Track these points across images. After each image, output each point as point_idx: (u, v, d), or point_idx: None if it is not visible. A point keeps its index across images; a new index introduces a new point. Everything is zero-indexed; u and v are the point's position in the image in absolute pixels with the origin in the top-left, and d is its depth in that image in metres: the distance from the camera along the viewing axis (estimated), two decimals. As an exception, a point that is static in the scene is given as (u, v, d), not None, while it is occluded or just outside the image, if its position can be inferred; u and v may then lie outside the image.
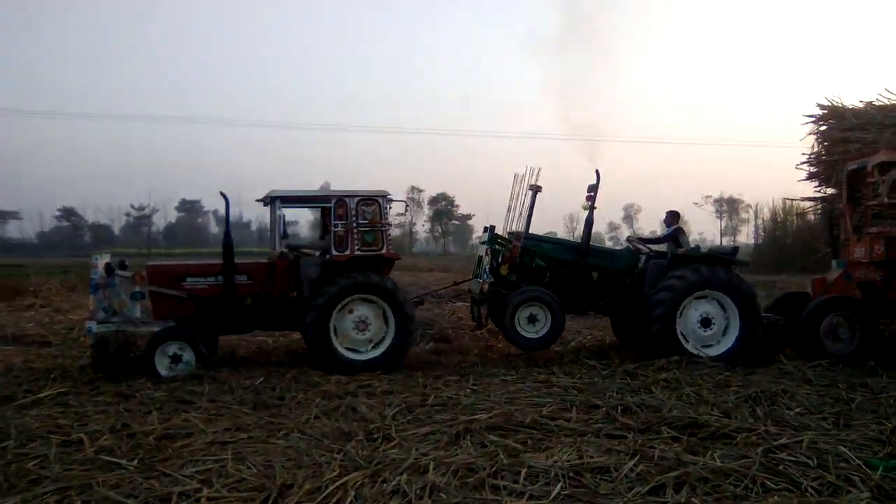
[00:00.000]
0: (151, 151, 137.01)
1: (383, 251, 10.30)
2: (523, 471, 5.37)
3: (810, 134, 14.86)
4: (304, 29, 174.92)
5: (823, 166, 14.51)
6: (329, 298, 9.96)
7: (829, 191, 14.48)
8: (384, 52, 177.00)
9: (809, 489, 5.04)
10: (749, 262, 11.86)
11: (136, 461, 5.82)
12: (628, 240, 12.33)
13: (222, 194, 10.13)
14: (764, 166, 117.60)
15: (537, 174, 11.04)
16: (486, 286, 10.87)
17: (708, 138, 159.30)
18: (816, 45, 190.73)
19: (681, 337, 10.34)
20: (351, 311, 10.11)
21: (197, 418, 7.16)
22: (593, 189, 11.11)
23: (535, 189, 11.07)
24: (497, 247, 11.11)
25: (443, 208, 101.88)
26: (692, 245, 11.61)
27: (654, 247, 12.04)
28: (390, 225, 10.48)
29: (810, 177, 15.10)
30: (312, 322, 9.91)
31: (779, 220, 36.00)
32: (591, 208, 11.10)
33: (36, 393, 8.28)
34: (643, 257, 11.59)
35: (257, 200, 10.81)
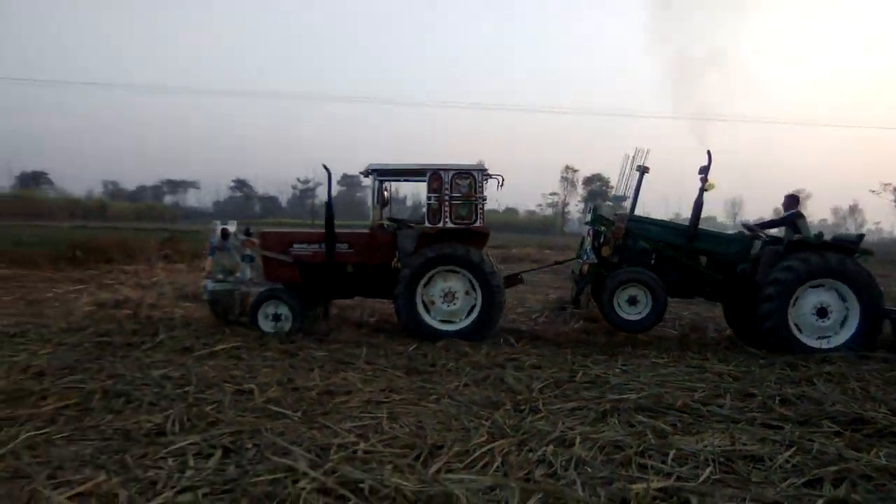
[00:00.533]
0: (318, 128, 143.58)
1: (477, 224, 10.35)
2: (672, 452, 5.31)
3: None
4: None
5: None
6: (415, 269, 10.18)
7: None
8: (537, 33, 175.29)
9: None
10: (873, 251, 10.79)
11: (299, 413, 6.24)
12: (743, 224, 11.62)
13: (325, 167, 10.73)
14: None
15: (645, 155, 10.75)
16: (585, 267, 10.70)
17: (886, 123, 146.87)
18: None
19: (794, 328, 9.79)
20: (444, 281, 10.29)
21: (355, 378, 7.56)
22: (704, 171, 10.62)
23: (643, 170, 10.87)
24: (601, 227, 10.90)
25: (597, 189, 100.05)
26: (814, 231, 10.79)
27: (772, 232, 11.31)
28: (485, 199, 10.42)
29: None
30: (399, 292, 10.20)
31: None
32: (702, 190, 10.65)
33: (212, 346, 9.00)
34: (758, 243, 10.96)
35: (360, 173, 11.06)
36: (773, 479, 4.88)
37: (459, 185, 10.33)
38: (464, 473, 4.86)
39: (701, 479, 4.81)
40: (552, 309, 13.56)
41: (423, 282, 10.26)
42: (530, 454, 5.29)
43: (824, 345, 9.68)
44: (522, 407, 6.65)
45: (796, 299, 9.85)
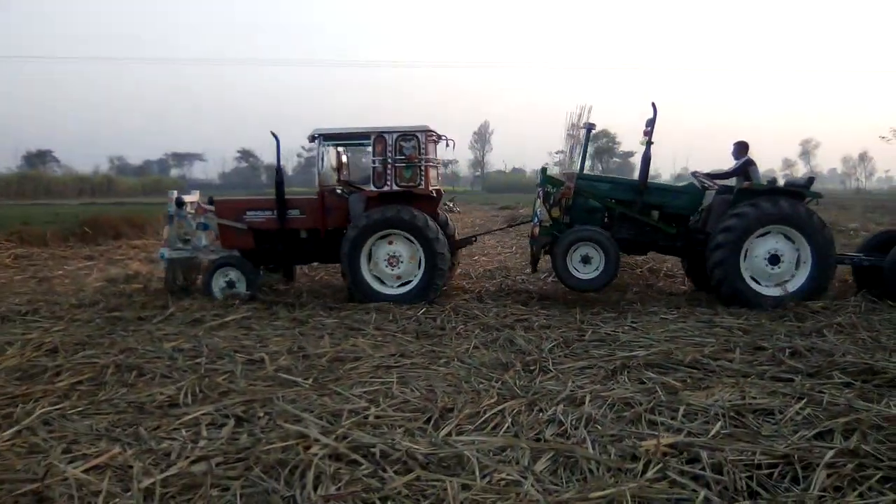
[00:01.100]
0: (323, 97, 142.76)
1: (421, 186, 10.32)
2: (682, 408, 5.32)
3: None
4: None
5: None
6: (358, 233, 10.18)
7: None
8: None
9: None
10: (822, 194, 10.66)
11: (310, 380, 6.29)
12: (693, 175, 11.42)
13: (272, 134, 10.82)
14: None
15: (588, 112, 10.66)
16: (536, 229, 10.62)
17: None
18: None
19: (749, 280, 9.76)
20: (391, 244, 10.29)
21: (364, 344, 7.59)
22: (650, 123, 10.46)
23: (589, 127, 10.76)
24: (550, 188, 10.78)
25: (604, 146, 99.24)
26: (767, 179, 10.67)
27: (725, 182, 11.09)
28: (427, 161, 10.36)
29: None
30: (343, 254, 10.21)
31: None
32: (649, 143, 10.51)
33: (222, 317, 9.03)
34: (710, 193, 10.87)
35: (307, 138, 10.96)
36: (784, 431, 4.88)
37: (403, 148, 10.27)
38: (475, 435, 4.90)
39: (711, 433, 4.82)
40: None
41: (368, 245, 10.24)
42: (541, 414, 5.32)
43: (780, 292, 9.67)
44: (532, 367, 6.68)
45: (746, 251, 9.80)
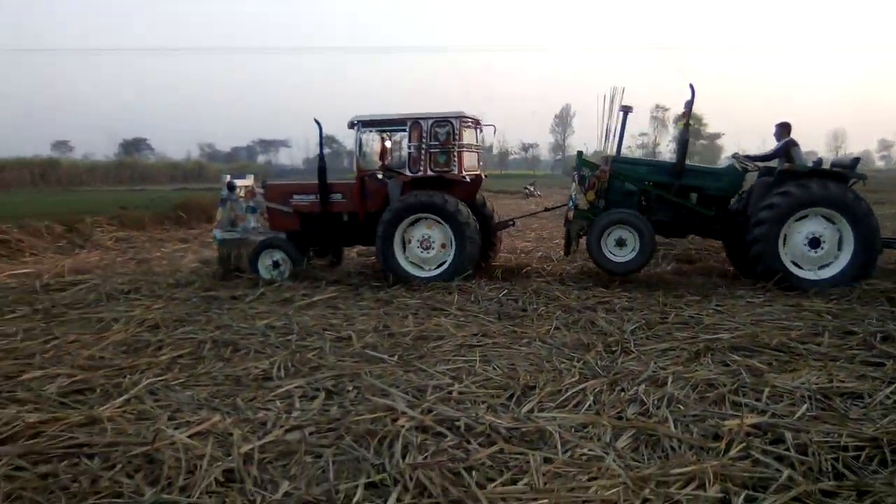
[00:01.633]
0: (407, 83, 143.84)
1: (454, 171, 10.38)
2: (766, 390, 5.28)
3: None
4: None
5: None
6: (391, 216, 10.37)
7: None
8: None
9: None
10: (866, 176, 10.15)
11: (396, 357, 6.50)
12: (734, 157, 11.05)
13: (316, 121, 10.99)
14: None
15: (622, 94, 10.38)
16: (570, 213, 10.54)
17: None
18: None
19: (789, 263, 9.54)
20: (427, 228, 10.47)
21: (447, 323, 7.76)
22: (688, 105, 10.21)
23: (627, 110, 10.47)
24: (586, 172, 10.64)
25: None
26: (812, 160, 10.25)
27: (766, 164, 10.71)
28: (461, 146, 10.40)
29: None
30: (378, 236, 10.39)
31: None
32: (686, 125, 10.32)
33: (311, 297, 9.36)
34: (754, 176, 10.53)
35: (348, 125, 11.09)
36: (872, 415, 4.81)
37: (438, 134, 10.38)
38: (556, 412, 4.99)
39: (797, 415, 4.78)
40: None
41: (401, 228, 10.44)
42: (622, 393, 5.37)
43: (823, 275, 9.47)
44: (614, 348, 6.70)
45: (785, 236, 9.58)
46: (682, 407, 5.03)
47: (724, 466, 3.97)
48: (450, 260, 10.44)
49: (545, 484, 3.84)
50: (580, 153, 11.35)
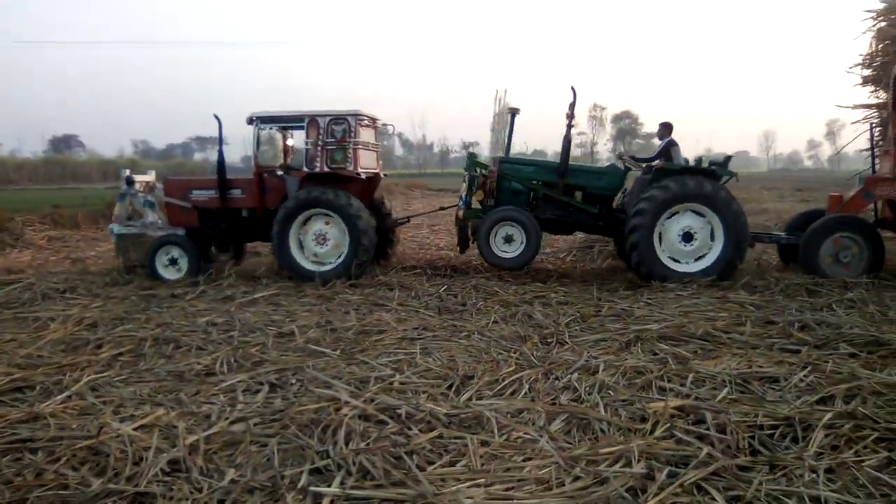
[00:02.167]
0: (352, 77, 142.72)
1: (349, 168, 10.64)
2: (690, 375, 5.60)
3: (867, 32, 13.31)
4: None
5: (878, 68, 13.00)
6: (286, 211, 10.59)
7: (884, 95, 12.85)
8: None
9: None
10: (737, 173, 10.89)
11: (338, 351, 6.63)
12: (619, 156, 11.85)
13: (216, 117, 11.21)
14: None
15: (505, 95, 10.99)
16: (460, 213, 11.02)
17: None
18: None
19: (667, 259, 10.12)
20: (323, 224, 10.69)
21: (389, 318, 7.92)
22: (571, 107, 10.81)
23: (514, 111, 11.09)
24: (475, 173, 11.11)
25: (626, 127, 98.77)
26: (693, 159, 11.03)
27: (649, 163, 11.38)
28: (357, 144, 10.69)
29: (865, 81, 13.67)
30: (273, 233, 10.61)
31: None
32: (569, 126, 10.86)
33: (252, 294, 9.41)
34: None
35: (246, 122, 11.16)
36: (788, 397, 5.15)
37: (334, 131, 10.61)
38: (493, 399, 5.21)
39: (718, 398, 5.10)
40: (579, 248, 13.77)
41: (296, 224, 10.62)
42: (556, 381, 5.62)
43: (696, 267, 10.05)
44: (549, 340, 6.98)
45: (660, 233, 10.12)
46: (611, 392, 5.31)
47: (649, 445, 4.23)
48: (344, 254, 10.63)
49: (482, 465, 4.05)
50: (472, 154, 11.80)
